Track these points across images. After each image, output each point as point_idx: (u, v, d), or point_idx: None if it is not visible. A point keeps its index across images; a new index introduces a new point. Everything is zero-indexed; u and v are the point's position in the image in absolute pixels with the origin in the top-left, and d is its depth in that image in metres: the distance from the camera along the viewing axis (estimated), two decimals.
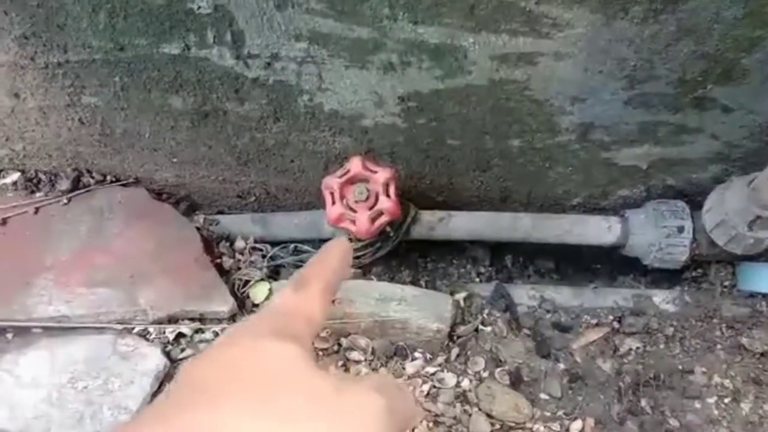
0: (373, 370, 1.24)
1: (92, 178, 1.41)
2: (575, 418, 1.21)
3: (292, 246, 1.41)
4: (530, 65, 1.11)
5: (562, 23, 1.03)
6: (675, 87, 1.14)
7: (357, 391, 0.36)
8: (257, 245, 1.41)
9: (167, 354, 1.20)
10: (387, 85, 1.16)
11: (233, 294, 1.28)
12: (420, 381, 1.24)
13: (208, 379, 0.34)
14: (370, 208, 1.23)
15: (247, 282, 1.32)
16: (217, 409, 0.32)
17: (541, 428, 1.19)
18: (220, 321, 1.26)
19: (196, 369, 0.36)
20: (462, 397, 1.22)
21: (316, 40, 1.09)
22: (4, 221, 1.34)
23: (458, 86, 1.15)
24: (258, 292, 1.30)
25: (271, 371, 0.35)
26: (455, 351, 1.28)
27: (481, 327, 1.33)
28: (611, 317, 1.37)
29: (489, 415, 1.20)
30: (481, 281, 1.52)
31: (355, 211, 1.23)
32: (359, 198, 1.23)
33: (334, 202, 1.24)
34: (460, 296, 1.36)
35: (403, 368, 1.25)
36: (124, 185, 1.42)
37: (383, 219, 1.24)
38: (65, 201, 1.38)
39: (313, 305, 0.42)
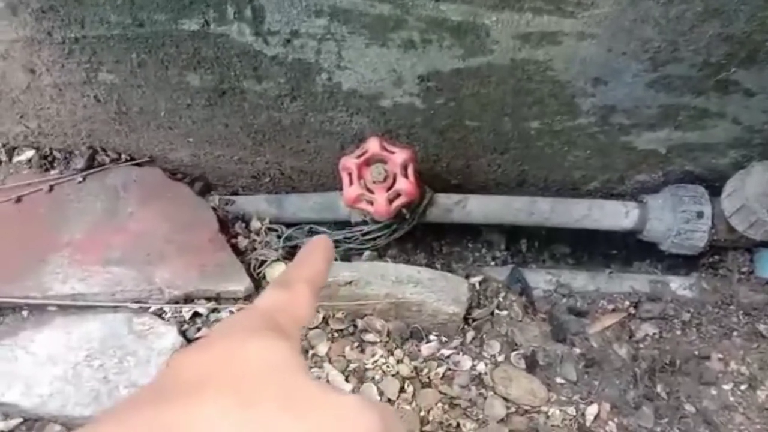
0: (388, 351, 1.23)
1: (107, 156, 1.41)
2: (591, 403, 1.21)
3: (307, 227, 1.41)
4: (553, 45, 1.10)
5: (587, 2, 1.02)
6: (699, 69, 1.13)
7: (348, 396, 0.34)
8: (272, 226, 1.40)
9: (183, 333, 1.20)
10: (407, 63, 1.15)
11: (249, 274, 1.27)
12: (435, 363, 1.23)
13: (189, 375, 0.33)
14: (388, 189, 1.22)
15: (263, 262, 1.31)
16: (194, 405, 0.30)
17: (557, 412, 1.19)
18: (235, 301, 1.25)
19: (179, 364, 0.34)
20: (477, 380, 1.22)
21: (337, 16, 1.08)
22: (19, 199, 1.33)
23: (479, 65, 1.14)
24: (273, 272, 1.30)
25: (258, 368, 0.33)
26: (471, 334, 1.28)
27: (496, 311, 1.32)
28: (627, 302, 1.36)
29: (504, 399, 1.19)
30: (496, 265, 1.52)
31: (372, 192, 1.22)
32: (377, 179, 1.22)
33: (351, 183, 1.23)
34: (476, 280, 1.36)
35: (419, 350, 1.25)
36: (138, 164, 1.42)
37: (401, 200, 1.23)
38: (80, 179, 1.37)
39: (298, 304, 0.41)
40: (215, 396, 0.31)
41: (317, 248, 0.47)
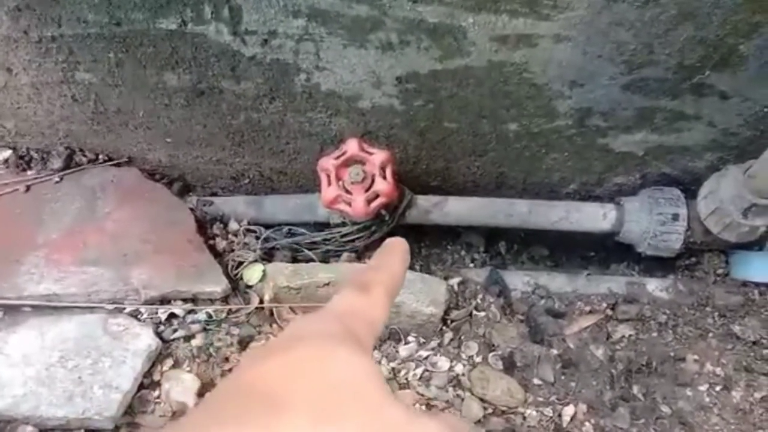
0: None
1: (84, 156, 1.40)
2: (567, 404, 1.21)
3: (286, 228, 1.40)
4: (529, 47, 1.10)
5: (562, 5, 1.03)
6: (673, 72, 1.14)
7: (432, 424, 0.32)
8: (251, 227, 1.40)
9: (159, 334, 1.19)
10: (385, 65, 1.16)
11: (226, 275, 1.27)
12: (413, 365, 1.23)
13: (267, 385, 0.31)
14: (366, 190, 1.22)
15: (240, 263, 1.31)
16: (274, 425, 0.29)
17: (534, 413, 1.20)
18: (212, 302, 1.24)
19: (256, 371, 0.33)
20: (455, 381, 1.22)
21: (315, 17, 1.08)
22: None
23: (457, 67, 1.15)
24: (251, 273, 1.29)
25: (341, 385, 0.32)
26: (449, 335, 1.28)
27: (474, 312, 1.33)
28: (605, 304, 1.37)
29: (482, 400, 1.19)
30: (475, 267, 1.52)
31: (350, 193, 1.22)
32: (355, 180, 1.22)
33: (329, 184, 1.23)
34: (455, 281, 1.36)
35: (397, 352, 1.25)
36: (116, 165, 1.41)
37: (379, 201, 1.23)
38: (57, 179, 1.36)
39: (375, 309, 0.39)
40: (292, 417, 0.30)
41: (395, 250, 0.45)
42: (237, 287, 1.29)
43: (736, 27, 1.05)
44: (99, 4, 1.09)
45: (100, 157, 1.41)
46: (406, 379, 1.21)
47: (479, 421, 1.17)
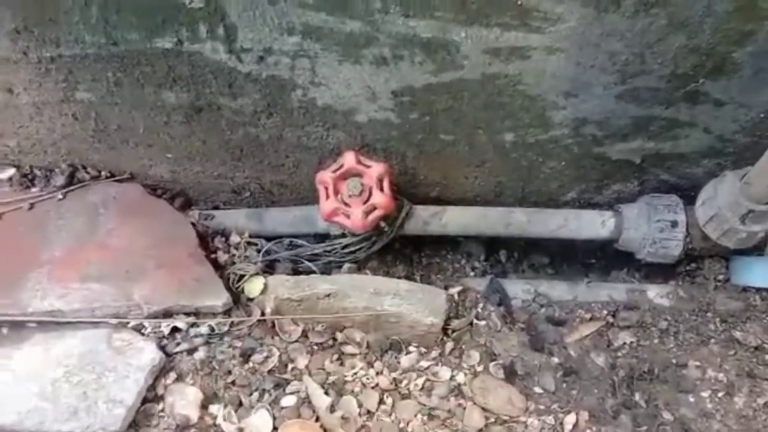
0: (368, 363, 1.24)
1: (87, 173, 1.41)
2: (569, 412, 1.22)
3: (287, 241, 1.42)
4: (522, 59, 1.11)
5: (553, 17, 1.04)
6: (667, 81, 1.14)
7: None
8: (252, 240, 1.41)
9: (162, 348, 1.20)
10: (380, 79, 1.17)
11: (228, 288, 1.28)
12: (414, 375, 1.24)
13: None
14: (364, 203, 1.23)
15: (242, 276, 1.32)
16: None
17: (535, 422, 1.20)
18: (215, 315, 1.26)
19: None
20: (456, 390, 1.23)
21: (309, 34, 1.09)
22: None
23: (451, 80, 1.16)
24: (252, 286, 1.30)
25: None
26: (449, 345, 1.28)
27: (475, 321, 1.33)
28: (605, 311, 1.37)
29: (483, 409, 1.20)
30: (475, 276, 1.52)
31: (349, 206, 1.24)
32: (353, 192, 1.23)
33: (328, 197, 1.24)
34: (455, 290, 1.37)
35: (398, 362, 1.25)
36: (118, 181, 1.42)
37: (377, 213, 1.24)
38: (60, 196, 1.38)
39: None
40: None
41: None
42: (239, 300, 1.30)
43: (727, 35, 1.05)
44: (96, 24, 1.11)
45: (103, 173, 1.42)
46: (408, 389, 1.22)
47: (481, 430, 1.17)
